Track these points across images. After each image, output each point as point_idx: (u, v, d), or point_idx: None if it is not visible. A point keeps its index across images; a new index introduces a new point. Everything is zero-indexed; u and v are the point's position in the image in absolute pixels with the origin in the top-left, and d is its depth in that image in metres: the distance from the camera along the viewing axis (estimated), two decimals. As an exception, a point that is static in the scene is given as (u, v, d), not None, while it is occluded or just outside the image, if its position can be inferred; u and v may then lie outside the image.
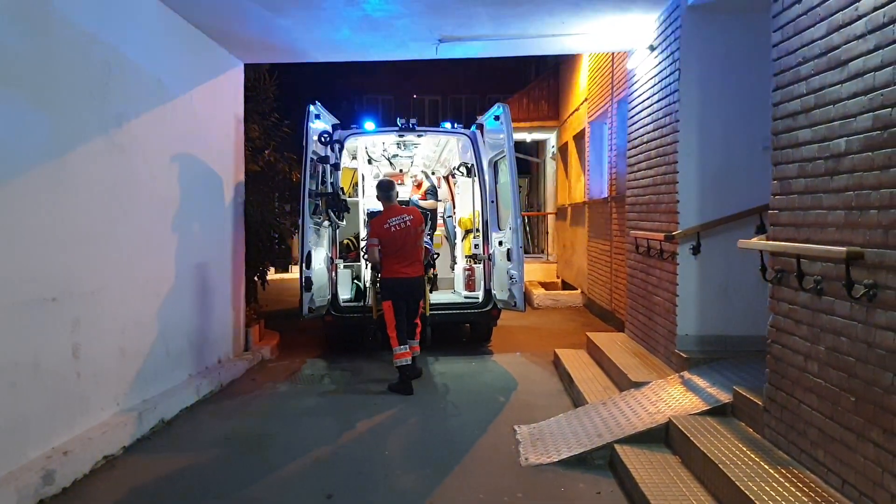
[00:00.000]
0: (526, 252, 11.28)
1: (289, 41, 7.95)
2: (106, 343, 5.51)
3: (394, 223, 7.10)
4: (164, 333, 6.47)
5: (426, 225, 7.92)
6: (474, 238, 9.80)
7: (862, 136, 3.47)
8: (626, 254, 8.30)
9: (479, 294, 9.33)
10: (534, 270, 15.62)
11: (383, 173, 11.79)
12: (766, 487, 3.69)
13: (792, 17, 4.19)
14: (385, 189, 7.41)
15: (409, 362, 7.12)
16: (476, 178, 9.52)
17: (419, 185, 11.27)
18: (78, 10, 5.20)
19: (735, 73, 6.20)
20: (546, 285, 15.03)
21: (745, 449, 4.29)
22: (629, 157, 8.11)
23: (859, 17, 3.50)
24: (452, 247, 11.04)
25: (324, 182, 8.63)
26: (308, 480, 4.86)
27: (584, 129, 13.19)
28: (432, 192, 11.01)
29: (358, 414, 6.47)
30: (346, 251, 9.97)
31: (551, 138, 17.94)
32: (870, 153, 3.40)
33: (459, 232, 10.90)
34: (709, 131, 6.28)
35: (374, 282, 8.15)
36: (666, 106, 6.70)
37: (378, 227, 7.17)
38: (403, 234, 7.08)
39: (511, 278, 8.36)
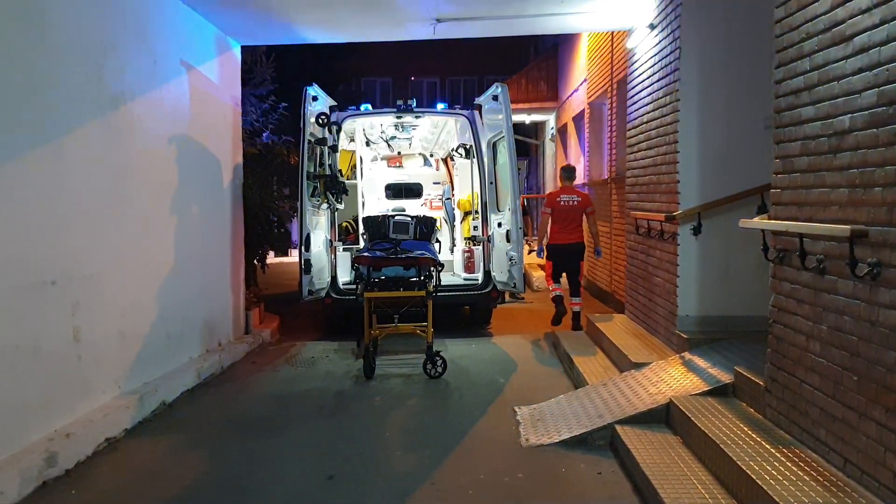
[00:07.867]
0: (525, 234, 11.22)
1: (286, 22, 7.87)
2: (106, 326, 5.50)
3: (564, 199, 8.67)
4: (165, 316, 6.45)
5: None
6: (473, 220, 9.77)
7: (866, 112, 3.42)
8: (626, 235, 8.28)
9: (479, 276, 9.33)
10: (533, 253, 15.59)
11: (382, 155, 11.74)
12: (768, 467, 3.69)
13: (795, -7, 4.14)
14: (569, 171, 9.14)
15: (559, 295, 8.72)
16: (474, 160, 9.47)
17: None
18: (72, -9, 5.15)
19: (736, 50, 6.12)
20: (546, 267, 14.98)
21: (746, 429, 4.28)
22: (629, 138, 8.07)
23: (865, -8, 3.45)
24: (451, 229, 11.01)
25: (322, 164, 8.58)
26: (309, 462, 4.87)
27: (583, 110, 13.10)
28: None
29: (358, 396, 6.48)
30: (346, 234, 9.93)
31: (550, 119, 17.85)
32: (874, 130, 3.36)
33: (458, 214, 10.87)
34: (709, 110, 6.23)
35: (359, 278, 7.37)
36: (666, 85, 6.64)
37: (553, 199, 8.83)
38: (569, 209, 8.65)
39: (510, 260, 8.36)
